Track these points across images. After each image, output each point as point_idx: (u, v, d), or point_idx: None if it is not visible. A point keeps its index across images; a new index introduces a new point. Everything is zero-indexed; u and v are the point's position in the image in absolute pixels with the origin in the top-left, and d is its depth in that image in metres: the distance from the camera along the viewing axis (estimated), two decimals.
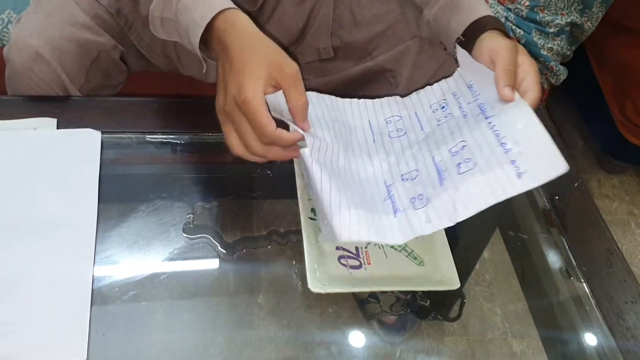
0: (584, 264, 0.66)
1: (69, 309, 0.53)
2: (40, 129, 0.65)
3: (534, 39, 1.13)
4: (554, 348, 0.66)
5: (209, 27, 0.57)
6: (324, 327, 0.65)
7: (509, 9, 1.15)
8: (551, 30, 1.13)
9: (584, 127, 1.74)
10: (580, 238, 0.69)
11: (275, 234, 0.69)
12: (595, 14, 1.19)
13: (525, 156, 0.53)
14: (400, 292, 0.66)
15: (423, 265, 0.63)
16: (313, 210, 0.64)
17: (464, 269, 0.67)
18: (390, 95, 0.69)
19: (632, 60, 1.42)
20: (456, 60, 0.68)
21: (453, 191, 0.53)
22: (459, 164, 0.55)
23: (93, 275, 0.55)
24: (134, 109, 0.72)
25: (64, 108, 0.68)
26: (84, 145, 0.65)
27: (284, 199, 0.73)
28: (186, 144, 0.72)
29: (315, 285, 0.57)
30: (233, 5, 0.58)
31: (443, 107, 0.64)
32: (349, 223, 0.52)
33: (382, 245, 0.64)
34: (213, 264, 0.66)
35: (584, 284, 0.65)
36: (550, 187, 0.73)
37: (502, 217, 0.77)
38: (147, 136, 0.70)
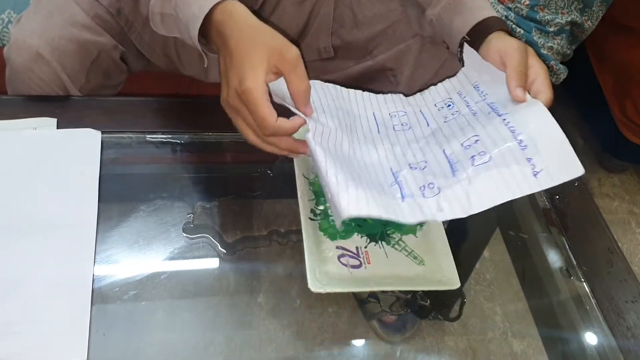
0: (585, 264, 0.66)
1: (69, 308, 0.53)
2: (40, 129, 0.65)
3: (534, 38, 1.12)
4: (555, 347, 0.66)
5: (208, 20, 0.57)
6: (324, 327, 0.65)
7: (509, 8, 1.14)
8: (551, 29, 1.13)
9: (584, 126, 1.74)
10: (580, 237, 0.69)
11: (276, 233, 0.69)
12: (596, 13, 1.18)
13: (542, 155, 0.52)
14: (400, 291, 0.66)
15: (423, 264, 0.63)
16: (313, 210, 0.64)
17: (464, 269, 0.67)
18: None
19: (633, 60, 1.42)
20: (459, 60, 0.68)
21: (467, 182, 0.53)
22: (473, 156, 0.55)
23: (93, 275, 0.55)
24: (134, 109, 0.72)
25: (64, 108, 0.68)
26: (84, 145, 0.65)
27: (284, 199, 0.73)
28: (186, 144, 0.72)
29: (315, 285, 0.57)
30: None
31: (449, 105, 0.64)
32: (357, 199, 0.51)
33: (382, 245, 0.64)
34: (213, 263, 0.66)
35: (584, 283, 0.65)
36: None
37: (503, 217, 0.77)
38: (147, 136, 0.70)
